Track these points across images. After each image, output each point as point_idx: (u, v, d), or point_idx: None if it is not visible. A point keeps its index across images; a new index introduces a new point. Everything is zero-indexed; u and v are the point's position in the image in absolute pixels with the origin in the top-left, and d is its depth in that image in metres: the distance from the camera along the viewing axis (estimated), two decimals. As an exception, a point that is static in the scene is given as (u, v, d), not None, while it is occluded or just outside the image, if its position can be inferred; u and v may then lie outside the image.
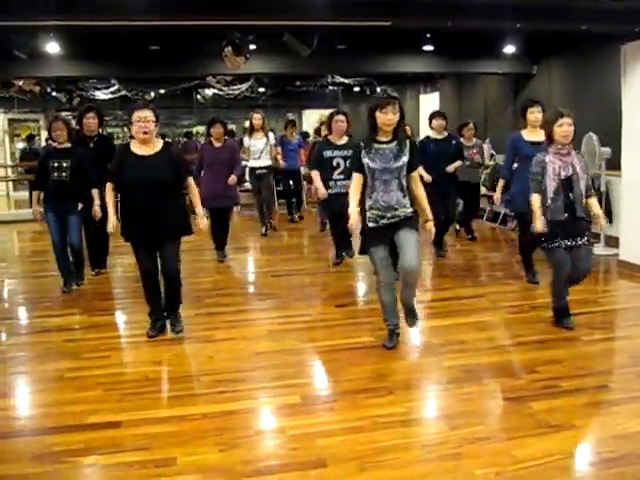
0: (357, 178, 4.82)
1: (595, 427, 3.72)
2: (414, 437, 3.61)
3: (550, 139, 5.18)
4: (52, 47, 9.29)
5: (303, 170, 11.51)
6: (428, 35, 10.22)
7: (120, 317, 6.21)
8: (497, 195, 7.10)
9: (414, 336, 5.45)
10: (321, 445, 3.51)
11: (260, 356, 4.97)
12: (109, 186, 5.26)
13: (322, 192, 7.30)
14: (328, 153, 7.35)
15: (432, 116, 8.50)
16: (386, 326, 5.07)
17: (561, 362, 4.68)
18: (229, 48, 9.14)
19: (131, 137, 5.28)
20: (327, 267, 7.85)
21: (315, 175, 7.38)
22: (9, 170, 16.56)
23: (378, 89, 16.04)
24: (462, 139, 9.24)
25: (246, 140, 9.94)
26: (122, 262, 8.10)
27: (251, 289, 7.51)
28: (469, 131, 9.66)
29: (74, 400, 4.19)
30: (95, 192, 6.55)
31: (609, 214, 8.57)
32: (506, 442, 3.54)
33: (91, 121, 7.29)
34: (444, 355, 4.93)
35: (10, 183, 16.47)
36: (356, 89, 18.31)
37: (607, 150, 8.19)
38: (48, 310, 6.33)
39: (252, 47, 9.75)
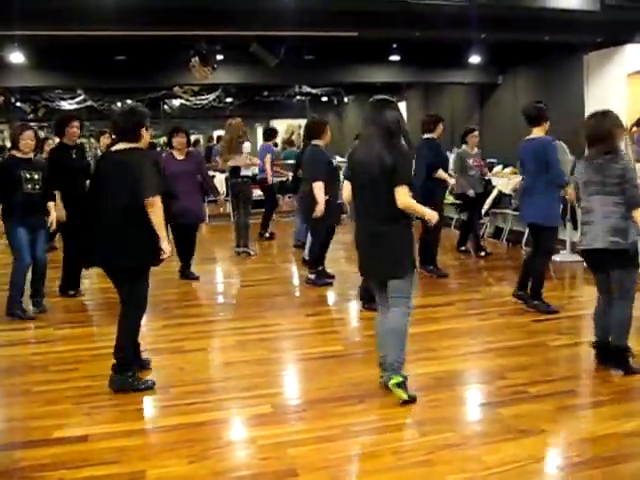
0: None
1: (563, 431, 3.76)
2: (385, 444, 3.61)
3: None
4: (16, 57, 9.19)
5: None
6: (395, 45, 10.32)
7: (87, 329, 6.13)
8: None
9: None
10: (292, 455, 3.50)
11: (230, 366, 4.94)
12: (159, 201, 4.33)
13: (321, 209, 6.78)
14: (334, 161, 7.26)
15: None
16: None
17: (529, 368, 4.73)
18: (196, 58, 9.14)
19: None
20: (300, 278, 7.84)
21: (320, 187, 6.84)
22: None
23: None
24: (465, 146, 8.95)
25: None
26: (88, 274, 7.99)
27: (220, 299, 7.47)
28: (473, 138, 8.98)
29: (41, 414, 4.12)
30: (56, 202, 6.40)
31: (574, 221, 8.70)
32: (476, 448, 3.57)
33: (76, 130, 6.84)
34: (414, 363, 4.92)
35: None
36: (324, 99, 18.39)
37: (571, 159, 8.31)
38: (14, 323, 6.22)
39: (219, 57, 9.76)
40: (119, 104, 16.86)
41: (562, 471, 3.31)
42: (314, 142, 7.18)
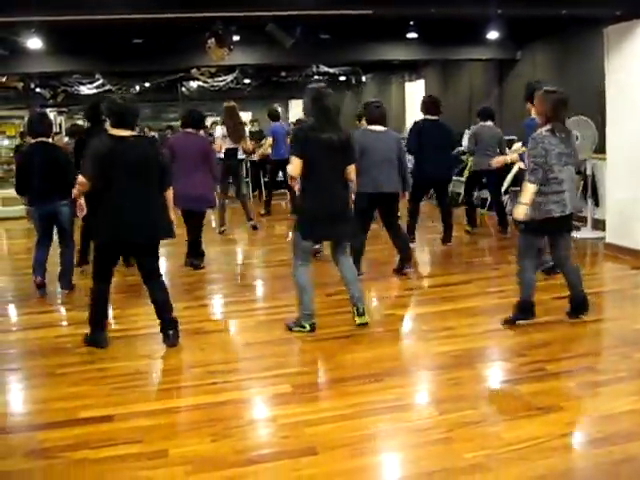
0: None
1: (582, 408, 3.76)
2: (404, 423, 3.64)
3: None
4: (34, 42, 9.21)
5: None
6: (412, 23, 10.21)
7: (110, 312, 6.19)
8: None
9: (403, 323, 5.49)
10: (311, 433, 3.54)
11: (250, 347, 5.00)
12: None
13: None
14: None
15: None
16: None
17: (548, 345, 4.73)
18: (212, 40, 9.12)
19: None
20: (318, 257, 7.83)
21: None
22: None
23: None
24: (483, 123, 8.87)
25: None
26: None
27: (241, 280, 7.52)
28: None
29: (65, 395, 4.19)
30: None
31: (595, 197, 8.63)
32: (495, 425, 3.58)
33: None
34: (433, 341, 4.97)
35: (-3, 181, 16.37)
36: (342, 78, 18.30)
37: (595, 133, 8.23)
38: (38, 306, 6.32)
39: (235, 38, 9.72)
40: (137, 87, 16.94)
41: (581, 448, 3.32)
42: None
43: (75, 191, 4.91)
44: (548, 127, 4.90)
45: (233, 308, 6.11)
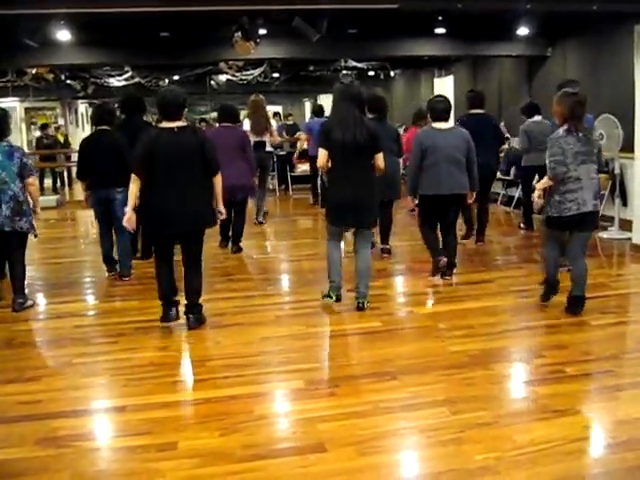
0: None
1: (598, 412, 3.69)
2: (415, 422, 3.60)
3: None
4: (63, 35, 9.29)
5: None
6: (440, 18, 10.10)
7: (129, 303, 6.24)
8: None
9: (421, 321, 5.45)
10: (321, 430, 3.52)
11: (266, 341, 4.99)
12: None
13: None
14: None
15: None
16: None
17: (568, 347, 4.65)
18: (238, 34, 9.12)
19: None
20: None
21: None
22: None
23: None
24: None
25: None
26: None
27: (262, 274, 7.51)
28: None
29: (80, 385, 4.24)
30: None
31: (623, 197, 8.48)
32: (508, 427, 3.52)
33: None
34: (450, 340, 4.91)
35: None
36: (370, 73, 18.20)
37: (620, 133, 8.08)
38: (61, 296, 6.39)
39: (262, 32, 9.71)
40: (166, 81, 17.01)
41: (594, 453, 3.25)
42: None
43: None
44: (565, 127, 5.09)
45: (253, 302, 6.10)
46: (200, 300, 5.24)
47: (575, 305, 5.29)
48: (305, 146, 11.58)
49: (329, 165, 5.40)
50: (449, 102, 6.50)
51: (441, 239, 6.58)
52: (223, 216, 5.36)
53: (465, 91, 9.19)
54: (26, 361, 4.77)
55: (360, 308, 5.48)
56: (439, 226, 6.57)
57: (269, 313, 5.70)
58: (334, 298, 5.56)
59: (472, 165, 6.37)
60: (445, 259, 6.43)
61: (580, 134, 5.06)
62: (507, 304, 5.76)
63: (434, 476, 3.08)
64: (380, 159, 5.41)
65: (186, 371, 4.42)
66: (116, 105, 8.65)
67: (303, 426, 3.59)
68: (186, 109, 5.10)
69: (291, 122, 16.53)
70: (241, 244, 8.16)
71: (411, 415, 3.69)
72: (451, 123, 6.58)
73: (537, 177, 8.67)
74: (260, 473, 3.13)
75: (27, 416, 3.83)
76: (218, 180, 5.17)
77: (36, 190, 6.14)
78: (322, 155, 5.35)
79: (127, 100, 7.66)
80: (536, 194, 5.26)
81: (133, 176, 4.96)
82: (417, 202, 6.56)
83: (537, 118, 8.56)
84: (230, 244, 8.18)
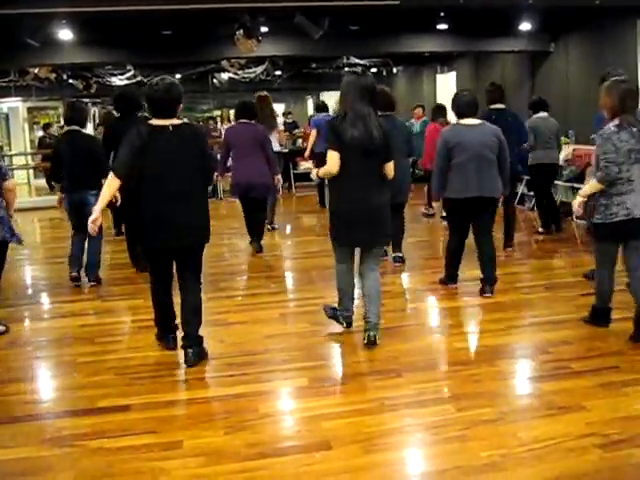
0: None
1: (604, 408, 3.67)
2: (420, 419, 3.60)
3: None
4: (65, 34, 9.32)
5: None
6: (442, 14, 10.09)
7: (133, 302, 6.24)
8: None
9: (427, 317, 5.44)
10: (327, 427, 3.51)
11: (271, 339, 4.98)
12: None
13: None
14: None
15: None
16: None
17: (573, 343, 4.64)
18: (240, 31, 9.12)
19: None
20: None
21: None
22: (29, 158, 16.71)
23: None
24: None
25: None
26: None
27: (266, 272, 7.50)
28: None
29: (85, 384, 4.24)
30: None
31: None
32: (513, 424, 3.52)
33: None
34: (455, 336, 4.91)
35: (31, 171, 16.64)
36: (373, 70, 18.20)
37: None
38: (65, 296, 6.40)
39: (264, 30, 9.70)
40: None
41: (600, 449, 3.23)
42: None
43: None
44: (616, 122, 4.45)
45: (257, 300, 6.09)
46: (200, 331, 4.55)
47: None
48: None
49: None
50: (475, 96, 5.93)
51: (476, 250, 5.96)
52: None
53: (466, 87, 9.17)
54: (30, 361, 4.79)
55: (371, 342, 4.60)
56: (474, 236, 5.92)
57: (273, 311, 5.70)
58: (344, 324, 4.97)
59: (504, 164, 5.77)
60: (455, 285, 5.98)
61: (634, 129, 4.42)
62: (511, 300, 5.74)
63: (439, 473, 3.08)
64: (390, 169, 4.62)
65: (191, 370, 4.40)
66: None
67: (308, 424, 3.58)
68: (181, 105, 4.39)
69: (290, 120, 16.52)
70: (262, 242, 8.01)
71: (416, 412, 3.68)
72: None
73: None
74: (265, 472, 3.13)
75: (32, 416, 3.84)
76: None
77: (14, 195, 5.39)
78: (333, 158, 4.47)
79: (121, 97, 7.18)
80: (577, 202, 4.65)
81: (111, 175, 4.27)
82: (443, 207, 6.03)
83: (543, 114, 8.32)
84: (251, 244, 8.02)
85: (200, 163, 4.36)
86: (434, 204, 6.28)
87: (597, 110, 5.66)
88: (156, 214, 4.27)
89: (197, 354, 4.45)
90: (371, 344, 4.59)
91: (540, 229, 8.61)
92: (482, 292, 5.81)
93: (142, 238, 4.54)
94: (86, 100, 22.41)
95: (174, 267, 4.58)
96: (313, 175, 5.13)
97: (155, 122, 4.27)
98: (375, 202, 4.56)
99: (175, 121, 4.28)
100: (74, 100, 7.23)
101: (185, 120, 4.77)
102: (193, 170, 4.32)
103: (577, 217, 4.83)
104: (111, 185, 4.28)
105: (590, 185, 4.58)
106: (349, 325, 4.98)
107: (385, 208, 4.66)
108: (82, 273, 6.64)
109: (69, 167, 6.38)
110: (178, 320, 4.68)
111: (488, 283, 5.82)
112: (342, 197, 4.60)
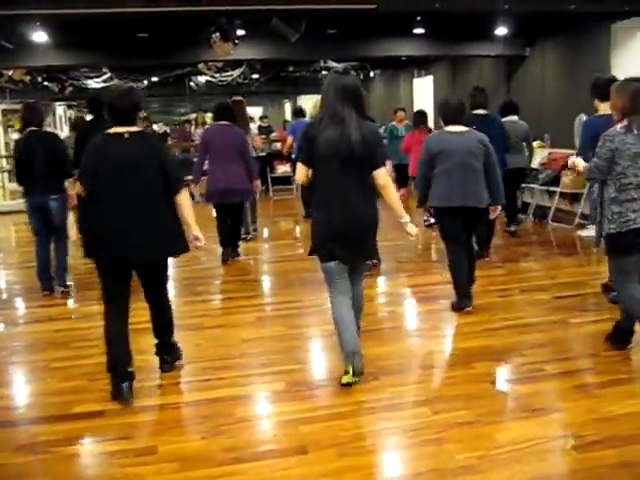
0: None
1: (579, 410, 3.69)
2: (397, 422, 3.60)
3: None
4: (39, 36, 9.22)
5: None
6: (419, 18, 10.14)
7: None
8: None
9: (402, 321, 5.44)
10: (303, 431, 3.50)
11: (247, 343, 4.96)
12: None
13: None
14: None
15: None
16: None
17: (548, 345, 4.67)
18: (217, 34, 9.09)
19: None
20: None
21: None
22: (4, 161, 16.49)
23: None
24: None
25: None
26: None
27: (243, 276, 7.48)
28: None
29: (59, 390, 4.19)
30: None
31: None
32: (489, 426, 3.53)
33: None
34: (431, 339, 4.93)
35: (5, 174, 16.42)
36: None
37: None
38: (39, 300, 6.32)
39: (241, 33, 9.68)
40: (145, 82, 16.92)
41: (575, 451, 3.26)
42: None
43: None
44: (624, 123, 4.15)
45: (234, 304, 6.08)
46: (175, 335, 4.48)
47: (624, 337, 4.44)
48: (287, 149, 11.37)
49: (307, 179, 4.19)
50: (463, 102, 5.72)
51: None
52: (201, 243, 4.24)
53: (445, 91, 9.20)
54: (4, 366, 4.73)
55: (349, 370, 4.04)
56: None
57: (250, 315, 5.67)
58: (350, 372, 4.04)
59: (492, 172, 5.49)
60: (469, 308, 5.51)
61: None
62: (487, 303, 5.76)
63: (415, 476, 3.09)
64: (381, 176, 4.07)
65: (166, 375, 4.37)
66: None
67: (284, 428, 3.57)
68: (142, 111, 4.19)
69: (266, 124, 16.51)
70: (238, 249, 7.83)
71: (392, 415, 3.69)
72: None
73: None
74: (241, 476, 3.11)
75: (5, 422, 3.80)
76: (184, 199, 4.10)
77: None
78: (299, 169, 4.14)
79: (94, 100, 6.92)
80: (575, 161, 4.48)
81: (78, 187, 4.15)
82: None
83: (513, 117, 8.30)
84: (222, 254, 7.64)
85: (161, 170, 4.02)
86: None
87: (575, 112, 5.78)
88: (111, 227, 3.96)
89: (173, 357, 4.43)
90: (348, 372, 4.05)
91: (510, 229, 8.64)
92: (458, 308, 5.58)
93: (97, 254, 4.08)
94: (61, 103, 22.31)
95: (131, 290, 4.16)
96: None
97: (112, 129, 4.05)
98: (357, 213, 4.05)
99: (133, 128, 4.03)
100: (29, 101, 7.01)
101: (161, 125, 4.65)
102: (153, 178, 4.01)
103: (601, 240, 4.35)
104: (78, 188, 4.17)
105: (582, 167, 4.43)
106: (357, 373, 4.09)
107: (370, 220, 4.16)
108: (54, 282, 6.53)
109: (30, 168, 6.15)
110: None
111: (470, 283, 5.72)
112: (319, 207, 4.14)
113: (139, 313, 5.17)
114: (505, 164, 7.28)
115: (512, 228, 8.62)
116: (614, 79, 5.25)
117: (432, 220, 5.91)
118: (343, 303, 4.13)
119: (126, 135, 4.00)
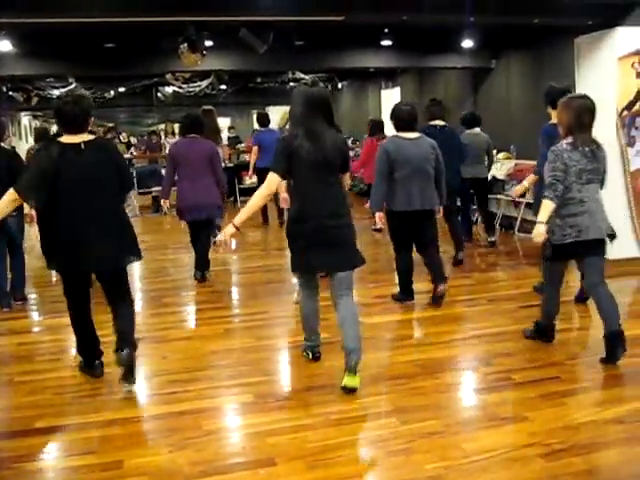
0: None
1: (545, 419, 3.72)
2: (365, 433, 3.60)
3: None
4: (4, 45, 9.09)
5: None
6: (386, 30, 10.21)
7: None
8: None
9: (368, 332, 5.43)
10: (271, 443, 3.48)
11: (215, 355, 4.92)
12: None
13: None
14: None
15: None
16: None
17: (514, 354, 4.71)
18: (185, 45, 9.05)
19: None
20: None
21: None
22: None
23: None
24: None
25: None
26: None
27: (211, 287, 7.42)
28: None
29: (22, 405, 4.11)
30: None
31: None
32: (457, 436, 3.54)
33: None
34: (397, 350, 4.94)
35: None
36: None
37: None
38: (1, 314, 6.20)
39: (209, 44, 9.65)
40: (112, 92, 16.78)
41: (542, 459, 3.28)
42: None
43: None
44: (569, 140, 4.32)
45: (202, 315, 6.04)
46: (142, 347, 4.57)
47: (616, 346, 4.39)
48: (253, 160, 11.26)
49: (286, 195, 4.42)
50: (415, 109, 5.90)
51: (423, 262, 6.11)
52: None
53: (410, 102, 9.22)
54: (-35, 381, 4.63)
55: (351, 369, 4.14)
56: (415, 247, 6.03)
57: (218, 326, 5.64)
58: (310, 357, 4.69)
59: (441, 176, 5.85)
60: (413, 301, 5.98)
61: (587, 148, 4.32)
62: (454, 312, 5.81)
63: (384, 487, 3.08)
64: (346, 178, 4.44)
65: (132, 388, 4.31)
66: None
67: (252, 440, 3.55)
68: (92, 118, 4.19)
69: (233, 134, 16.51)
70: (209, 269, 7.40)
71: (360, 426, 3.69)
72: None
73: (472, 190, 8.76)
74: (209, 490, 3.08)
75: (-34, 438, 3.71)
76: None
77: None
78: (271, 180, 4.11)
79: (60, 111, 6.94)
80: (539, 231, 4.32)
81: (11, 192, 3.95)
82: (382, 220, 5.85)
83: (476, 130, 8.56)
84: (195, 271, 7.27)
85: (117, 178, 4.18)
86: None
87: (540, 124, 5.84)
88: (71, 236, 4.02)
89: (130, 355, 4.21)
90: (351, 373, 4.12)
91: (490, 239, 8.73)
92: (436, 290, 5.96)
93: (59, 264, 4.22)
94: (27, 113, 22.04)
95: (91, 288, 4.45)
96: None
97: (65, 139, 4.06)
98: (335, 222, 4.12)
99: (86, 136, 4.09)
100: None
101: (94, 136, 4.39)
102: (110, 187, 4.14)
103: (543, 248, 4.56)
104: (7, 202, 3.97)
105: (543, 207, 4.30)
106: (315, 357, 4.67)
107: (350, 226, 4.25)
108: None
109: None
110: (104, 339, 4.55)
111: (441, 282, 5.98)
112: (302, 219, 4.14)
113: (106, 325, 5.14)
114: (460, 173, 7.57)
115: (492, 239, 8.74)
116: (568, 90, 5.43)
117: (379, 225, 6.13)
118: (312, 297, 4.53)
119: (82, 146, 4.03)
